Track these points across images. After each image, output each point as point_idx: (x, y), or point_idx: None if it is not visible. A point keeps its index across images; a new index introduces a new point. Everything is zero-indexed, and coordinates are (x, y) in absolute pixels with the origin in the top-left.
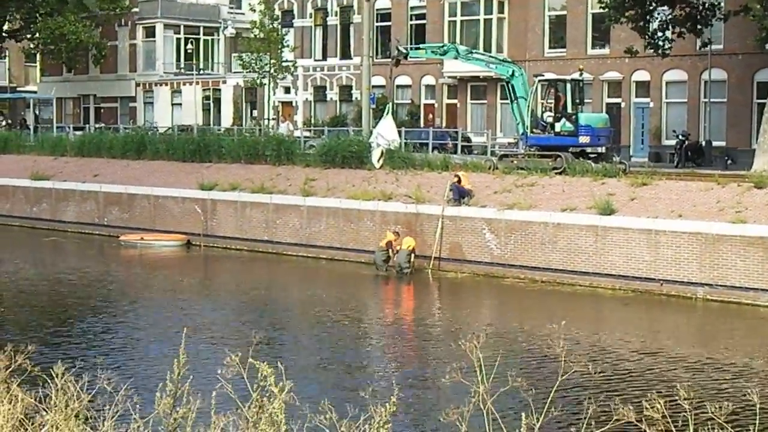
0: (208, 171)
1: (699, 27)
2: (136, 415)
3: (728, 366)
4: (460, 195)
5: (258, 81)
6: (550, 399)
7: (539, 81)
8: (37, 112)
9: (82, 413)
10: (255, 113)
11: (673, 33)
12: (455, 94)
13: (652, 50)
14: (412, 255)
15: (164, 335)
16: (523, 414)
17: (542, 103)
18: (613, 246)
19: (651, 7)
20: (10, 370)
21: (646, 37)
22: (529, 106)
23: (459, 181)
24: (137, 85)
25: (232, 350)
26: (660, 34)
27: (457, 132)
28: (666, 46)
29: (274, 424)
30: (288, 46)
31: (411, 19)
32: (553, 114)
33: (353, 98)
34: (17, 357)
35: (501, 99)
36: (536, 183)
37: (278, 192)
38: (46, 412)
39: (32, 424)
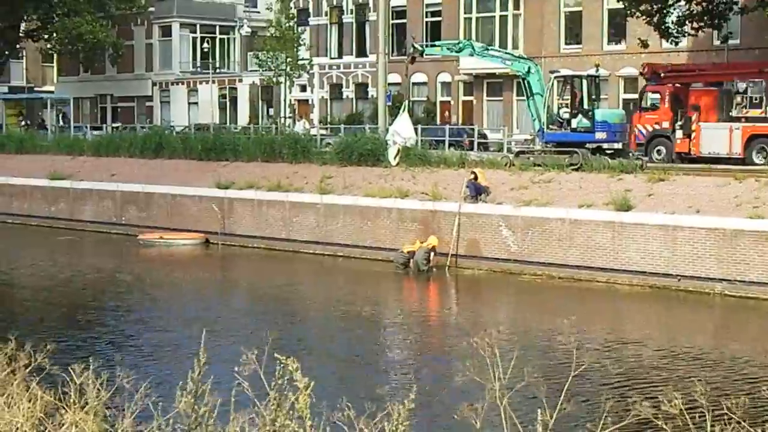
0: (224, 170)
1: (716, 21)
2: (157, 413)
3: (746, 362)
4: (477, 192)
5: (274, 79)
6: (563, 395)
7: (555, 77)
8: (64, 112)
9: (102, 411)
10: (271, 112)
11: (690, 28)
12: (471, 91)
13: (664, 38)
14: (432, 253)
15: (184, 333)
16: (539, 410)
17: (558, 100)
18: (630, 242)
19: (668, 2)
20: (29, 368)
21: (662, 31)
22: (545, 103)
23: (475, 178)
24: (154, 84)
25: (250, 347)
26: (677, 28)
27: (473, 129)
28: (679, 38)
29: (300, 419)
30: (304, 44)
31: (426, 16)
32: (569, 110)
33: (369, 96)
34: (37, 355)
35: (517, 96)
36: (553, 179)
37: (295, 190)
38: (66, 410)
39: (52, 422)
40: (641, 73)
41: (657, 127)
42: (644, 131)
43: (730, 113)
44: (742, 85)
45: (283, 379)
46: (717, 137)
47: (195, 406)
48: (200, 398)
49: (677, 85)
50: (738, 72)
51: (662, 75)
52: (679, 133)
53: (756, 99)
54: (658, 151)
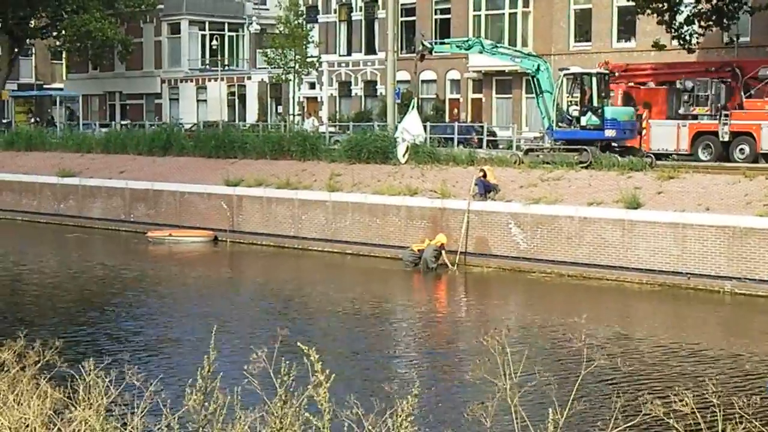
0: (233, 167)
1: (725, 21)
2: (166, 410)
3: (757, 360)
4: (486, 189)
5: (283, 77)
6: (573, 393)
7: (565, 75)
8: (73, 110)
9: (111, 409)
10: (280, 109)
11: (699, 26)
12: (480, 89)
13: (678, 43)
14: (440, 251)
15: (193, 330)
16: (550, 410)
17: (568, 97)
18: (639, 240)
19: (678, 0)
20: (39, 365)
21: (672, 30)
22: (554, 100)
23: (484, 175)
24: (163, 81)
25: (260, 345)
26: (686, 27)
27: (482, 126)
28: (692, 42)
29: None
30: (313, 41)
31: (436, 14)
32: (578, 108)
33: (378, 93)
34: (46, 353)
35: (526, 93)
36: (562, 177)
37: (303, 187)
38: (75, 407)
39: (61, 419)
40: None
41: None
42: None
43: (679, 111)
44: (689, 84)
45: (290, 377)
46: (665, 134)
47: (205, 403)
48: (209, 395)
49: (630, 84)
50: (686, 71)
51: (617, 74)
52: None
53: (702, 97)
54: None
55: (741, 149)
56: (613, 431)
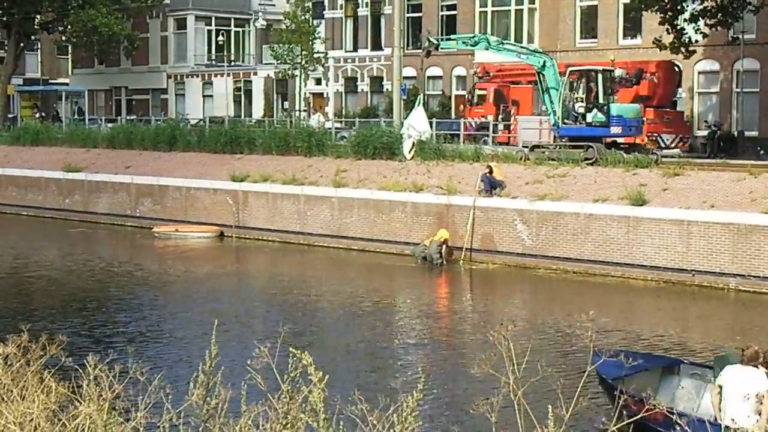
0: (239, 162)
1: (729, 20)
2: (169, 405)
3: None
4: (491, 186)
5: (289, 72)
6: (579, 389)
7: (570, 71)
8: (79, 105)
9: (115, 403)
10: (286, 105)
11: (705, 25)
12: None
13: (675, 52)
14: (444, 246)
15: (198, 325)
16: (549, 407)
17: (574, 94)
18: (644, 237)
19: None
20: (43, 360)
21: (675, 31)
22: (560, 97)
23: (490, 171)
24: (169, 76)
25: (264, 340)
26: (691, 26)
27: (488, 123)
28: (690, 46)
29: (311, 412)
30: (319, 37)
31: (442, 10)
32: (584, 104)
33: (384, 89)
34: (51, 347)
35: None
36: (568, 174)
37: (309, 183)
38: (80, 402)
39: (66, 414)
40: (476, 73)
41: (483, 119)
42: (473, 123)
43: (542, 108)
44: None
45: (296, 372)
46: (530, 129)
47: (207, 398)
48: (212, 391)
49: (501, 83)
50: None
51: (491, 74)
52: (501, 125)
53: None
54: (485, 141)
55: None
56: (617, 425)
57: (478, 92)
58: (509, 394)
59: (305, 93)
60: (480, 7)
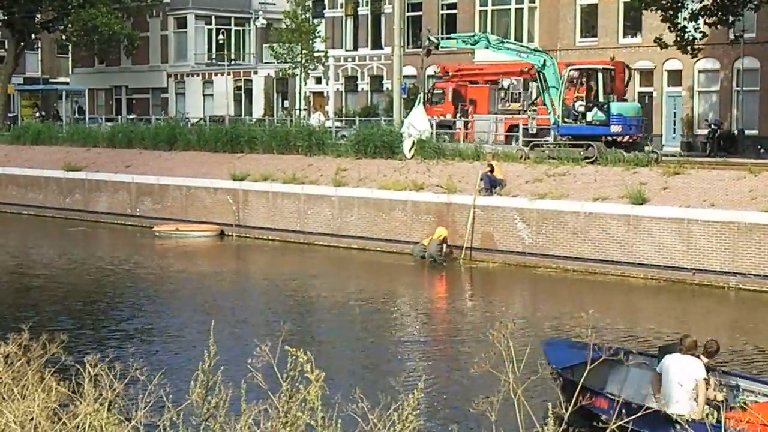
0: (239, 161)
1: (730, 18)
2: (169, 404)
3: (761, 355)
4: (492, 185)
5: (289, 71)
6: (579, 387)
7: (571, 70)
8: (79, 104)
9: (116, 402)
10: (286, 104)
11: (705, 24)
12: None
13: (681, 51)
14: (444, 245)
15: (199, 324)
16: (549, 405)
17: (574, 93)
18: (645, 235)
19: None
20: (44, 359)
21: (676, 29)
22: (560, 96)
23: (492, 170)
24: (169, 76)
25: (264, 339)
26: (691, 24)
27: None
28: (695, 45)
29: (310, 411)
30: (319, 36)
31: (442, 9)
32: (584, 103)
33: (384, 88)
34: (51, 346)
35: None
36: (568, 172)
37: (310, 182)
38: (80, 401)
39: (66, 413)
40: (436, 72)
41: (443, 118)
42: (433, 121)
43: (497, 106)
44: (506, 83)
45: (296, 370)
46: (486, 126)
47: (207, 397)
48: (212, 390)
49: (460, 82)
50: (504, 72)
51: (451, 74)
52: (459, 123)
53: (516, 95)
54: (444, 138)
55: (546, 140)
56: (617, 424)
57: (437, 91)
58: (509, 392)
59: (305, 92)
60: (480, 5)
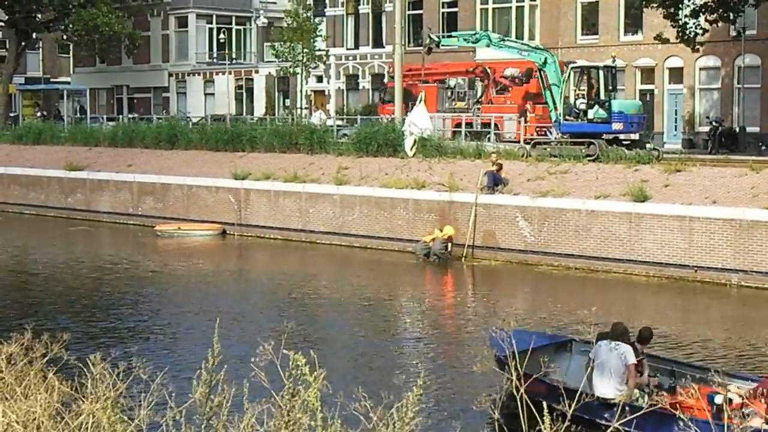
0: (241, 160)
1: (730, 15)
2: (172, 403)
3: (763, 352)
4: (495, 183)
5: (290, 70)
6: (582, 385)
7: (572, 68)
8: (81, 104)
9: (118, 402)
10: (287, 102)
11: (706, 21)
12: None
13: (684, 43)
14: (450, 244)
15: (201, 323)
16: (553, 403)
17: (575, 91)
18: (646, 233)
19: None
20: (46, 358)
21: (677, 25)
22: (561, 94)
23: (500, 168)
24: (170, 75)
25: (268, 338)
26: (692, 21)
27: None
28: (697, 40)
29: (309, 411)
30: (320, 35)
31: (443, 7)
32: (586, 101)
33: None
34: (53, 346)
35: None
36: (569, 170)
37: (311, 181)
38: (83, 400)
39: (69, 412)
40: (388, 72)
41: (394, 116)
42: (386, 120)
43: (445, 105)
44: (452, 82)
45: (297, 371)
46: (436, 124)
47: (210, 396)
48: (215, 388)
49: (410, 82)
50: (451, 72)
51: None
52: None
53: (461, 94)
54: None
55: (488, 137)
56: (619, 421)
57: (389, 90)
58: (512, 390)
59: (306, 90)
60: (481, 4)
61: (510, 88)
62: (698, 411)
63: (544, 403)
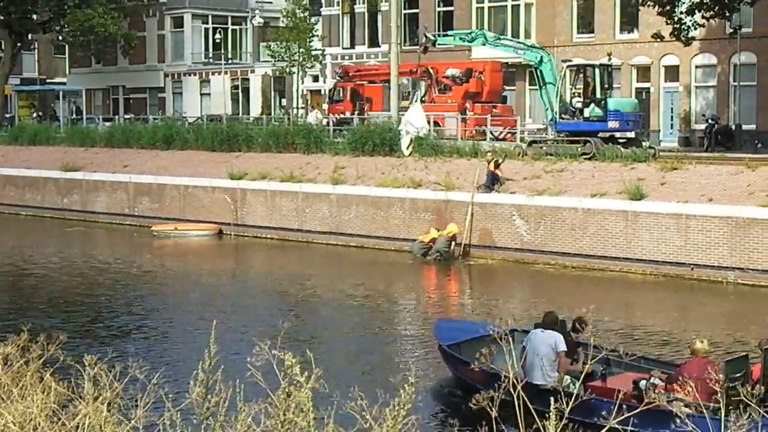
0: (237, 160)
1: (726, 12)
2: (168, 404)
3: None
4: (493, 182)
5: (287, 70)
6: (580, 382)
7: (568, 66)
8: (77, 104)
9: (115, 402)
10: (284, 102)
11: (702, 18)
12: None
13: (675, 38)
14: (453, 242)
15: (198, 323)
16: (489, 389)
17: (571, 89)
18: (643, 231)
19: None
20: (43, 359)
21: (673, 22)
22: (557, 92)
23: (497, 166)
24: (166, 75)
25: (264, 337)
26: (688, 18)
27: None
28: (690, 34)
29: (302, 413)
30: (316, 34)
31: (439, 6)
32: (582, 99)
33: None
34: (50, 346)
35: (529, 85)
36: (566, 169)
37: (308, 181)
38: (79, 401)
39: (66, 413)
40: (337, 72)
41: (342, 115)
42: (334, 119)
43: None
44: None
45: (292, 370)
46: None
47: (207, 396)
48: (212, 389)
49: (358, 82)
50: (398, 72)
51: (351, 74)
52: (356, 120)
53: (405, 93)
54: (343, 134)
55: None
56: (617, 419)
57: (339, 90)
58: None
59: (303, 90)
60: (477, 2)
61: (451, 88)
62: (624, 395)
63: (481, 390)
